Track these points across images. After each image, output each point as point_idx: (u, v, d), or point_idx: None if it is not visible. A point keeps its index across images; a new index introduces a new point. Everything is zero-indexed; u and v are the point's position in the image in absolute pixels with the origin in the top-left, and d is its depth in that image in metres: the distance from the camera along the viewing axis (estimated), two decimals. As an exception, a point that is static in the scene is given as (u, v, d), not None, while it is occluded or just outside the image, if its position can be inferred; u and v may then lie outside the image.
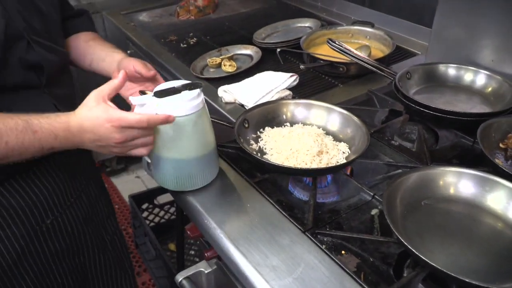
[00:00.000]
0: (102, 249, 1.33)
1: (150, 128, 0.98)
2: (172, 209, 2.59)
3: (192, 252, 2.45)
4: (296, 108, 1.34)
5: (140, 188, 2.90)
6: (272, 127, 1.30)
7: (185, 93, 1.01)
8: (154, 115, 0.97)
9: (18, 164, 1.05)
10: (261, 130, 1.29)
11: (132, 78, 1.22)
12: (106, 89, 0.97)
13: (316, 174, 1.16)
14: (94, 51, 1.30)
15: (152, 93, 1.01)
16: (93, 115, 0.94)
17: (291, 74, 1.63)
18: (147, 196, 2.53)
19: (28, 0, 1.07)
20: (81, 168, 1.26)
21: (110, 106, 0.95)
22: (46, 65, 1.07)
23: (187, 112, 1.01)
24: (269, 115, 1.32)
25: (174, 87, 1.01)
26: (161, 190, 2.54)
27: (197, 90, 1.02)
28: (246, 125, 1.27)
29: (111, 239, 1.38)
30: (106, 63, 1.27)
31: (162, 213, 2.59)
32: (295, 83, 1.63)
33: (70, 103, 1.15)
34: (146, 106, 1.01)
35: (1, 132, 0.89)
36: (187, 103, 1.00)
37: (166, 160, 1.07)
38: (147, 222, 2.50)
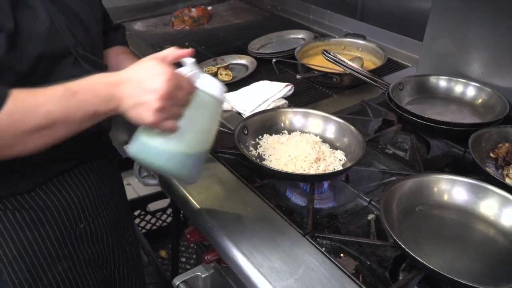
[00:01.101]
0: (124, 259, 1.34)
1: (190, 98, 0.92)
2: (164, 216, 2.60)
3: (183, 259, 2.46)
4: (294, 117, 1.37)
5: (131, 195, 2.90)
6: (271, 135, 1.33)
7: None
8: None
9: (56, 166, 1.08)
10: (260, 137, 1.32)
11: None
12: (168, 53, 0.92)
13: (314, 180, 1.19)
14: (123, 65, 1.27)
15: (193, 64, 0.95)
16: (146, 65, 0.89)
17: (286, 83, 1.66)
18: (140, 203, 2.54)
19: (73, 14, 1.07)
20: (110, 174, 1.28)
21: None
22: None
23: (220, 95, 0.97)
24: (267, 122, 1.35)
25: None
26: (153, 197, 2.55)
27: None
28: (246, 132, 1.30)
29: (130, 249, 1.39)
30: None
31: (153, 220, 2.60)
32: (290, 92, 1.67)
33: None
34: (191, 72, 0.94)
35: (42, 101, 0.84)
36: (221, 87, 0.97)
37: (183, 139, 0.94)
38: (139, 228, 2.51)
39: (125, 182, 3.07)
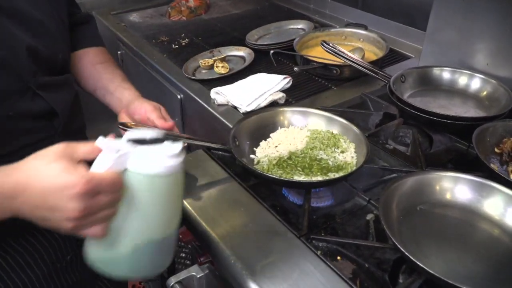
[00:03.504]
0: None
1: (120, 193, 0.73)
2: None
3: (183, 255, 2.42)
4: (293, 116, 1.31)
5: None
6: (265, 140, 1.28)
7: (168, 144, 0.76)
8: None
9: None
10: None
11: (143, 121, 1.12)
12: (82, 151, 0.72)
13: (311, 187, 1.13)
14: (101, 79, 1.21)
15: (126, 140, 0.75)
16: (50, 171, 0.68)
17: (284, 76, 1.61)
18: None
19: (38, 23, 1.01)
20: None
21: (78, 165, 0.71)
22: (60, 108, 1.03)
23: (169, 171, 0.76)
24: (265, 124, 1.30)
25: (152, 135, 0.77)
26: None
27: (180, 144, 0.77)
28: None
29: None
30: (115, 98, 1.19)
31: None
32: (288, 85, 1.61)
33: (82, 136, 1.13)
34: (116, 156, 0.73)
35: None
36: (169, 159, 0.75)
37: (129, 236, 0.78)
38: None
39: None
